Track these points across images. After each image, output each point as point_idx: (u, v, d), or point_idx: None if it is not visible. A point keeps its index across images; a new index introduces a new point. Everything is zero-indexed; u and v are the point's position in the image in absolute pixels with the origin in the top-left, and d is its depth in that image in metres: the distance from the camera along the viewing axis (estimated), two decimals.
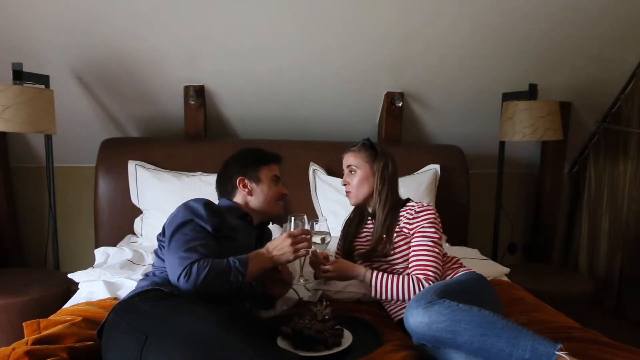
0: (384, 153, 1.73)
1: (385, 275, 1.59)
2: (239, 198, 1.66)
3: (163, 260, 1.45)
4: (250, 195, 1.65)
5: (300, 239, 1.47)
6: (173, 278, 1.33)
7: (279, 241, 1.45)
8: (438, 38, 2.42)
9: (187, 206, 1.48)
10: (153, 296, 1.30)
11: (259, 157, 1.70)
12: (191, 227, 1.42)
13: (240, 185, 1.65)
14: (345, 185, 1.76)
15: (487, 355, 1.21)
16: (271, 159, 1.71)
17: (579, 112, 2.98)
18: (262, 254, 1.45)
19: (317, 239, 1.59)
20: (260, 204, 1.66)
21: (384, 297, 1.58)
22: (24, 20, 2.13)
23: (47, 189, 2.38)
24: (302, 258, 1.57)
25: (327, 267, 1.62)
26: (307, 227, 1.53)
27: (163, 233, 1.49)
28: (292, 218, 1.54)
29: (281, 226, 2.30)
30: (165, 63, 2.39)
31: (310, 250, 1.58)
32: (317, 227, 1.60)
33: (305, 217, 1.56)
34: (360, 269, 1.62)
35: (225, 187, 1.69)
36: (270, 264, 1.46)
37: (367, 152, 1.72)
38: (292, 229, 1.52)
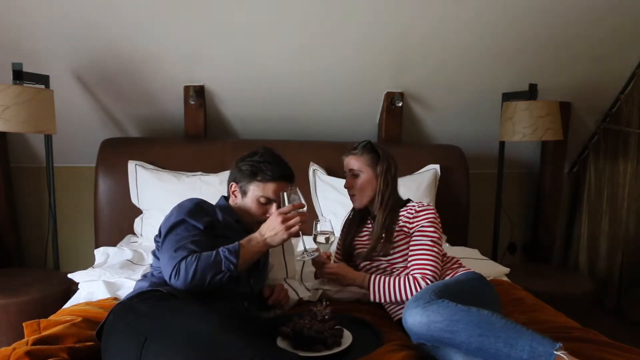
0: (386, 155, 1.72)
1: (382, 278, 1.59)
2: (231, 200, 1.64)
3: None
4: (235, 203, 1.60)
5: (292, 215, 1.40)
6: (167, 277, 1.34)
7: (270, 222, 1.40)
8: (438, 38, 2.42)
9: (180, 207, 1.48)
10: (152, 297, 1.30)
11: (258, 170, 1.54)
12: (183, 227, 1.42)
13: (231, 191, 1.62)
14: (348, 188, 1.74)
15: (485, 356, 1.21)
16: (272, 178, 1.53)
17: (579, 112, 2.98)
18: (255, 238, 1.41)
19: (321, 238, 1.59)
20: (241, 215, 1.58)
21: (383, 300, 1.58)
22: (24, 20, 2.13)
23: (47, 189, 2.38)
24: (302, 262, 1.55)
25: (330, 267, 1.62)
26: (301, 201, 1.44)
27: (159, 234, 1.49)
28: (284, 194, 1.45)
29: None
30: (165, 63, 2.39)
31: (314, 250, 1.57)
32: (320, 227, 1.59)
33: (297, 189, 1.46)
34: (360, 275, 1.63)
35: (228, 182, 1.65)
36: (264, 247, 1.42)
37: (369, 155, 1.71)
38: (286, 205, 1.44)
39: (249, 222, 1.58)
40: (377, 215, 1.69)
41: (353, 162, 1.72)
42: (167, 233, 1.42)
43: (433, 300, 1.28)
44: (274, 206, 1.54)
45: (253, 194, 1.54)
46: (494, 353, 1.19)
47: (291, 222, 1.39)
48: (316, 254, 1.60)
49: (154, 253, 1.53)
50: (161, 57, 2.37)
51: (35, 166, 2.67)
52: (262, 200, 1.53)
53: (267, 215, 1.52)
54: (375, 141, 2.33)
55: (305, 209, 1.44)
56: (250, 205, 1.55)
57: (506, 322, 1.23)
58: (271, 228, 1.40)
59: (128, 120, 2.64)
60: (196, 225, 1.43)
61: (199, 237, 1.41)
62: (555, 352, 1.15)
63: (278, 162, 1.57)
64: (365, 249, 1.72)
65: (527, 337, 1.18)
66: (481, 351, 1.21)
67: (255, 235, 1.42)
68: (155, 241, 1.52)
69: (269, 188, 1.53)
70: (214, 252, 1.35)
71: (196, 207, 1.46)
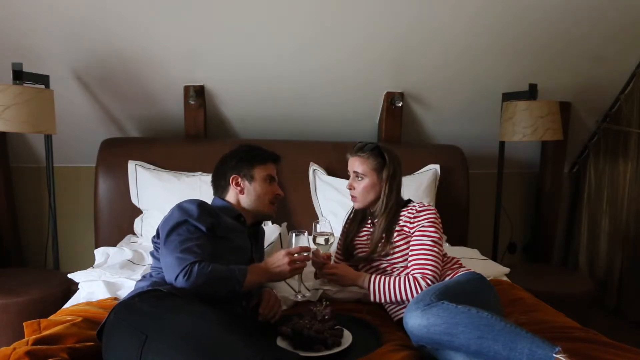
0: (392, 160, 1.70)
1: (382, 278, 1.59)
2: (231, 196, 1.65)
3: (160, 261, 1.45)
4: (242, 193, 1.64)
5: (298, 257, 1.48)
6: (170, 277, 1.33)
7: (277, 258, 1.46)
8: (438, 38, 2.42)
9: (180, 207, 1.48)
10: (153, 296, 1.30)
11: (255, 155, 1.67)
12: (186, 227, 1.42)
13: (233, 183, 1.65)
14: (350, 189, 1.74)
15: (484, 358, 1.21)
16: (268, 158, 1.69)
17: (579, 112, 2.98)
18: (260, 268, 1.46)
19: (320, 239, 1.60)
20: (251, 203, 1.64)
21: (383, 300, 1.59)
22: (24, 20, 2.13)
23: (47, 189, 2.38)
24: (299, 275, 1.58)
25: (330, 267, 1.62)
26: (306, 244, 1.54)
27: (158, 235, 1.49)
28: (293, 234, 1.55)
29: (280, 225, 2.31)
30: (165, 63, 2.39)
31: (313, 251, 1.58)
32: (319, 228, 1.60)
33: (305, 232, 1.56)
34: (360, 275, 1.63)
35: (219, 183, 1.69)
36: (267, 279, 1.48)
37: (375, 160, 1.70)
38: (292, 245, 1.53)
39: (257, 206, 1.64)
40: (378, 219, 1.69)
41: (358, 164, 1.71)
42: (170, 233, 1.42)
43: (433, 302, 1.28)
44: (276, 185, 1.69)
45: (260, 175, 1.65)
46: (492, 356, 1.19)
47: (297, 265, 1.47)
48: (308, 295, 1.70)
49: (152, 254, 1.53)
50: (161, 57, 2.37)
51: (35, 166, 2.67)
52: (268, 178, 1.66)
53: (277, 193, 1.68)
54: (376, 141, 2.34)
55: (310, 253, 1.54)
56: (260, 187, 1.65)
57: (505, 325, 1.22)
58: (277, 265, 1.46)
59: (128, 120, 2.64)
60: (199, 227, 1.43)
61: (202, 240, 1.41)
62: (554, 356, 1.15)
63: (262, 147, 1.73)
64: (364, 249, 1.72)
65: (527, 340, 1.18)
66: (480, 354, 1.21)
67: (261, 265, 1.48)
68: (154, 242, 1.52)
69: (270, 167, 1.69)
70: (226, 268, 1.37)
71: (198, 209, 1.46)
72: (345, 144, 2.35)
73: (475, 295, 1.41)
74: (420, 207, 1.67)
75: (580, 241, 3.15)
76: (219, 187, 1.69)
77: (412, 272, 1.57)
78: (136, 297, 1.31)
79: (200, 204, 1.49)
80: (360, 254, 1.73)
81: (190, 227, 1.43)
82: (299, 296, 1.67)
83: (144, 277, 1.50)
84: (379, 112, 2.76)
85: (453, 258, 1.71)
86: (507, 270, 2.09)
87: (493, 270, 2.06)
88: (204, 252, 1.38)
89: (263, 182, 1.65)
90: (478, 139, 2.93)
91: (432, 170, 2.54)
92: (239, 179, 1.65)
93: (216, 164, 1.73)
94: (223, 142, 2.53)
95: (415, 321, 1.27)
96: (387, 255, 1.65)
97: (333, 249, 1.79)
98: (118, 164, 2.37)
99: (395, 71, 2.58)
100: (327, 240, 1.61)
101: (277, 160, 1.72)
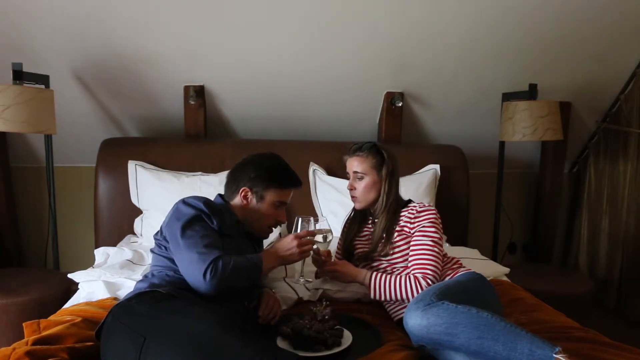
0: (390, 158, 1.70)
1: (383, 276, 1.59)
2: (235, 203, 1.63)
3: (163, 257, 1.45)
4: (246, 208, 1.61)
5: (306, 240, 1.51)
6: (195, 274, 1.32)
7: (287, 242, 1.50)
8: (438, 38, 2.42)
9: (188, 204, 1.47)
10: (151, 298, 1.29)
11: (276, 178, 1.61)
12: (201, 223, 1.42)
13: (241, 195, 1.61)
14: (351, 190, 1.73)
15: (484, 358, 1.21)
16: (289, 184, 1.63)
17: (579, 112, 2.98)
18: (271, 253, 1.50)
19: (319, 237, 1.60)
20: (250, 219, 1.61)
21: (382, 298, 1.59)
22: (24, 20, 2.13)
23: (47, 189, 2.38)
24: (303, 261, 1.60)
25: (331, 264, 1.62)
26: (312, 228, 1.57)
27: (160, 232, 1.48)
28: (300, 219, 1.57)
29: (279, 225, 2.31)
30: (165, 63, 2.39)
31: (313, 249, 1.59)
32: (318, 226, 1.61)
33: (312, 219, 1.58)
34: (362, 272, 1.63)
35: (230, 185, 1.65)
36: (279, 263, 1.51)
37: (375, 158, 1.69)
38: (299, 230, 1.56)
39: (255, 225, 1.62)
40: (379, 218, 1.69)
41: (357, 164, 1.70)
42: (185, 228, 1.40)
43: (433, 302, 1.28)
44: (283, 211, 1.65)
45: (270, 199, 1.60)
46: (492, 356, 1.19)
47: (305, 247, 1.51)
48: (310, 282, 1.73)
49: (153, 251, 1.52)
50: (161, 57, 2.37)
51: (35, 166, 2.67)
52: (277, 204, 1.62)
53: (279, 219, 1.64)
54: (376, 141, 2.34)
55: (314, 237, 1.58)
56: (265, 210, 1.61)
57: (505, 325, 1.22)
58: (287, 248, 1.49)
59: (128, 120, 2.64)
60: (210, 224, 1.44)
61: (216, 237, 1.43)
62: (554, 356, 1.14)
63: (289, 168, 1.66)
64: (365, 248, 1.72)
65: (526, 340, 1.18)
66: (480, 354, 1.21)
67: (271, 251, 1.51)
68: (156, 239, 1.51)
69: (287, 193, 1.63)
70: (244, 258, 1.40)
71: (206, 207, 1.46)
72: (345, 144, 2.35)
73: (475, 295, 1.41)
74: (420, 207, 1.67)
75: (580, 241, 3.15)
76: (229, 189, 1.66)
77: (412, 272, 1.57)
78: (133, 299, 1.30)
79: (206, 202, 1.49)
80: (361, 254, 1.73)
81: (204, 223, 1.43)
82: (302, 280, 1.68)
83: (145, 277, 1.50)
84: (379, 112, 2.76)
85: (453, 258, 1.71)
86: (507, 270, 2.09)
87: (493, 270, 2.06)
88: (220, 249, 1.38)
89: (270, 206, 1.60)
90: (478, 139, 2.93)
91: (432, 170, 2.54)
92: (249, 194, 1.60)
93: (237, 163, 1.67)
94: (223, 142, 2.54)
95: (415, 321, 1.27)
96: (387, 255, 1.65)
97: (332, 246, 1.79)
98: (118, 164, 2.37)
99: (395, 71, 2.58)
100: (325, 238, 1.61)
101: (297, 187, 1.67)
